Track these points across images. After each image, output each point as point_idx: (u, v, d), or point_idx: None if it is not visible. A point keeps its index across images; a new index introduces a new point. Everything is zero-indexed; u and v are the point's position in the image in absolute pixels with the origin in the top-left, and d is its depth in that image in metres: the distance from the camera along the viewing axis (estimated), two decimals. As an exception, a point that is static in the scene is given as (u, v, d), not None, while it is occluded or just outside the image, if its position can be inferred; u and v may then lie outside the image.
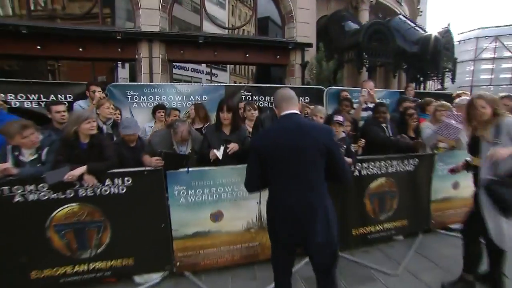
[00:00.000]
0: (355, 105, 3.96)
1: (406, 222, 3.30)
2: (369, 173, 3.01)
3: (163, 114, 3.65)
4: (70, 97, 3.65)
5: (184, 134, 2.43)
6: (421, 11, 13.85)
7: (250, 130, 2.87)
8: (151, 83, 4.80)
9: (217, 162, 2.43)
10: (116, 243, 2.36)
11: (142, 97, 4.06)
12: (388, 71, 10.67)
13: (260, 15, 9.23)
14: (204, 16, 8.59)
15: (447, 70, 9.30)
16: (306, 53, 9.12)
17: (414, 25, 9.65)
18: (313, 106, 3.09)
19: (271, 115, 2.56)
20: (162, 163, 2.30)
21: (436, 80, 10.29)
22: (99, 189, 2.25)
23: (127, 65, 8.43)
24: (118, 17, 7.97)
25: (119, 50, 7.54)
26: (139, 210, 2.38)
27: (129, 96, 4.00)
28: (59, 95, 3.62)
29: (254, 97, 4.45)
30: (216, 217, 2.60)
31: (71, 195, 2.19)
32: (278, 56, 9.02)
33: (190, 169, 2.42)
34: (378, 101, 3.91)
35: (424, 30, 9.55)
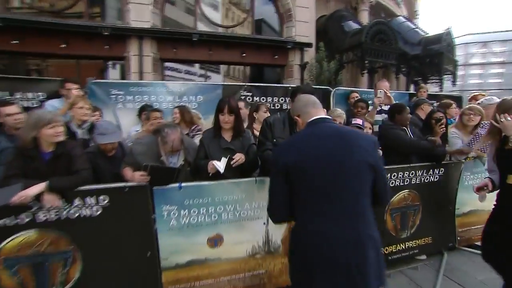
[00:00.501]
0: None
1: (430, 239, 2.92)
2: (391, 185, 2.61)
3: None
4: (42, 95, 3.13)
5: (176, 144, 1.96)
6: (418, 14, 13.77)
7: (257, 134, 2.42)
8: (138, 81, 4.32)
9: (217, 176, 1.97)
10: (88, 279, 1.87)
11: (128, 96, 3.56)
12: (388, 73, 10.43)
13: (257, 14, 8.87)
14: (198, 16, 8.15)
15: (448, 72, 9.10)
16: (305, 53, 8.79)
17: (414, 27, 9.43)
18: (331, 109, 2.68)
19: (282, 117, 2.12)
20: (147, 178, 1.84)
21: (434, 83, 10.08)
22: (65, 212, 1.76)
23: (118, 65, 7.89)
24: (105, 12, 7.46)
25: (107, 47, 7.01)
26: (119, 236, 1.90)
27: (113, 96, 3.50)
28: (28, 93, 3.10)
29: (254, 97, 4.02)
30: (215, 241, 2.14)
31: (27, 219, 1.69)
32: (276, 56, 8.65)
33: (182, 184, 1.95)
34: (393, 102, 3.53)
35: (424, 32, 9.33)
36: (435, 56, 8.57)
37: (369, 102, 3.68)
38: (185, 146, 2.16)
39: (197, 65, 8.68)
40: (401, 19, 9.76)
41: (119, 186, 1.87)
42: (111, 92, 3.47)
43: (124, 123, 3.39)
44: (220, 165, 1.85)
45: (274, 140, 2.11)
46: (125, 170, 1.95)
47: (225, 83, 4.08)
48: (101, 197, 1.82)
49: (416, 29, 9.37)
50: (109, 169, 2.07)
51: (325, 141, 1.22)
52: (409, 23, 9.55)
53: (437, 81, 9.71)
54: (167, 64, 8.07)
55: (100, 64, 7.81)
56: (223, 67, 9.05)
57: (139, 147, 2.01)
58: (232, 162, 1.91)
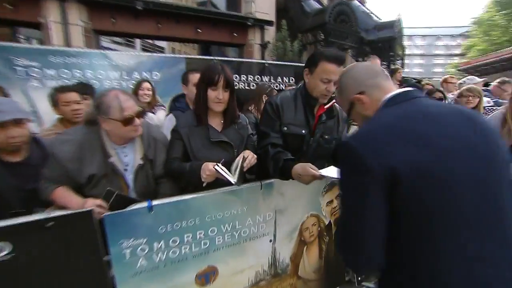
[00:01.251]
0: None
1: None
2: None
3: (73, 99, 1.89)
4: None
5: (128, 104, 1.14)
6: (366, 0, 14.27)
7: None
8: (64, 48, 3.04)
9: (209, 184, 1.27)
10: None
11: (47, 70, 2.47)
12: (346, 56, 10.58)
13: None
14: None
15: (398, 58, 9.61)
16: (266, 32, 8.19)
17: (369, 11, 9.62)
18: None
19: (293, 96, 1.53)
20: (104, 211, 1.06)
21: (385, 68, 10.63)
22: None
23: (34, 39, 6.06)
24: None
25: (10, 8, 5.22)
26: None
27: (20, 69, 2.37)
28: None
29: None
30: (206, 277, 1.48)
31: None
32: (235, 34, 7.84)
33: (154, 203, 1.21)
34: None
35: (378, 17, 9.60)
36: (387, 42, 8.90)
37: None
38: (146, 134, 1.37)
39: (138, 45, 7.36)
40: (357, 2, 9.84)
41: (33, 220, 1.03)
42: (17, 62, 2.33)
43: (43, 109, 2.33)
44: (230, 173, 1.14)
45: (285, 128, 1.51)
46: (59, 192, 1.08)
47: (190, 56, 3.21)
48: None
49: (370, 14, 9.58)
50: (14, 189, 1.18)
51: (449, 126, 0.70)
52: (364, 8, 9.70)
53: (386, 66, 10.22)
54: (104, 43, 6.57)
55: (5, 34, 5.89)
56: (168, 48, 7.89)
57: (66, 148, 1.13)
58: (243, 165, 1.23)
